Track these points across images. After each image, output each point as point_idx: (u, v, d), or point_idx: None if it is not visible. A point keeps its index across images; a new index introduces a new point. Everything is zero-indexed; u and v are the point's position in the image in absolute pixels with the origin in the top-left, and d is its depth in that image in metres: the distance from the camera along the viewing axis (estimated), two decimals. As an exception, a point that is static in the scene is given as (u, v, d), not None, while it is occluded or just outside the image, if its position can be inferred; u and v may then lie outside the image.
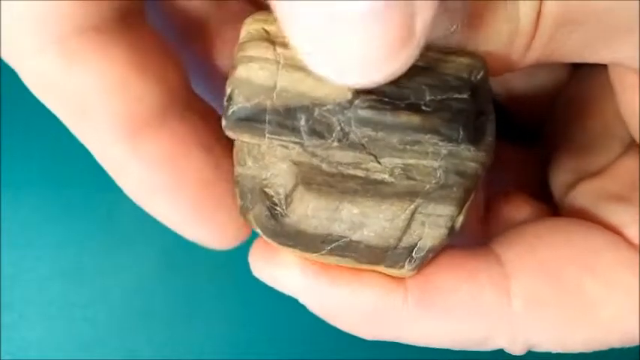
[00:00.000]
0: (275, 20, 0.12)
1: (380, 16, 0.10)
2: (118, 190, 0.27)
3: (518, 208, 0.18)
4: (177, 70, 0.14)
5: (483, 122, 0.14)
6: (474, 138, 0.13)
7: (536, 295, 0.14)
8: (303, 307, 0.28)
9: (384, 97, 0.13)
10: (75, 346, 0.26)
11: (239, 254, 0.27)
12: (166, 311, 0.27)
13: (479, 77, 0.13)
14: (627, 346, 0.15)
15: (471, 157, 0.13)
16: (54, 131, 0.25)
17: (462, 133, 0.13)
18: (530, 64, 0.14)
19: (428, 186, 0.13)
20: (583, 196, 0.17)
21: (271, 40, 0.13)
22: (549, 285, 0.15)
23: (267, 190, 0.14)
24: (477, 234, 0.18)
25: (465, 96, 0.13)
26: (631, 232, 0.15)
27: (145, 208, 0.14)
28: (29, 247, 0.26)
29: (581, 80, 0.19)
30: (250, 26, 0.13)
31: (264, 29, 0.13)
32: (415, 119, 0.13)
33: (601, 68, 0.18)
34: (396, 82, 0.12)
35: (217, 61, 0.17)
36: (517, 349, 0.15)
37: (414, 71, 0.12)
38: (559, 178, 0.19)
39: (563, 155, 0.19)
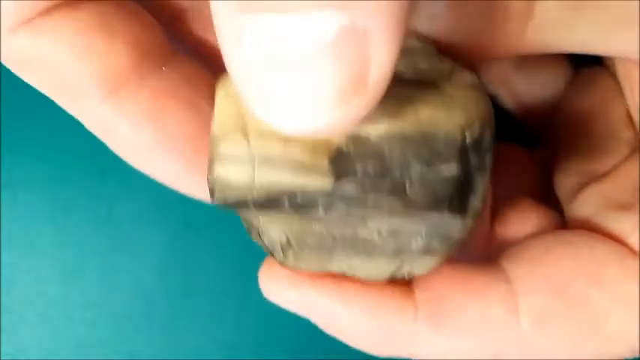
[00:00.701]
0: None
1: (333, 51, 0.09)
2: (118, 191, 0.27)
3: (526, 216, 0.18)
4: (148, 27, 0.15)
5: (473, 181, 0.13)
6: (460, 207, 0.13)
7: (544, 312, 0.15)
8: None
9: (366, 177, 0.12)
10: (74, 347, 0.26)
11: (239, 255, 0.27)
12: (166, 313, 0.26)
13: (473, 137, 0.13)
14: (631, 357, 0.15)
15: (456, 225, 0.14)
16: (53, 131, 0.25)
17: (447, 207, 0.13)
18: (530, 50, 0.14)
19: (414, 246, 0.14)
20: (587, 202, 0.17)
21: (244, 129, 0.12)
22: (557, 300, 0.15)
23: (263, 237, 0.14)
24: (484, 244, 0.18)
25: (452, 166, 0.12)
26: (633, 240, 0.15)
27: (138, 167, 0.15)
28: (28, 248, 0.26)
29: (585, 82, 0.19)
30: (222, 107, 0.12)
31: (236, 112, 0.12)
32: (398, 203, 0.12)
33: (604, 70, 0.18)
34: (380, 154, 0.12)
35: (200, 37, 0.17)
36: None
37: (400, 138, 0.12)
38: (564, 182, 0.18)
39: (567, 158, 0.19)
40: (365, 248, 0.14)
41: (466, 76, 0.13)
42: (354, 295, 0.15)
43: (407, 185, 0.12)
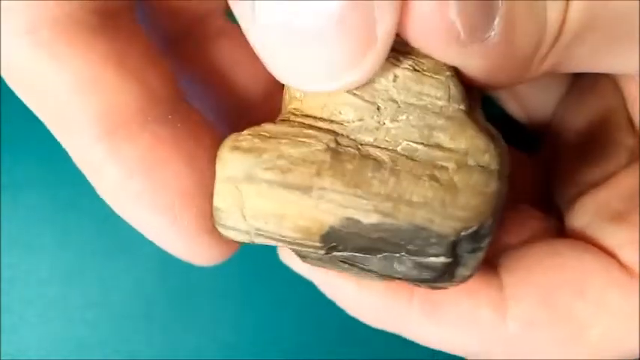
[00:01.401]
0: (250, 146, 0.13)
1: (342, 25, 0.10)
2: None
3: (524, 223, 0.18)
4: (162, 74, 0.14)
5: (465, 261, 0.13)
6: (446, 279, 0.14)
7: (531, 319, 0.15)
8: (303, 309, 0.28)
9: (355, 251, 0.13)
10: (74, 348, 0.26)
11: (239, 255, 0.27)
12: (166, 313, 0.26)
13: (470, 232, 0.13)
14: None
15: (444, 284, 0.14)
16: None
17: (431, 282, 0.14)
18: (542, 74, 0.14)
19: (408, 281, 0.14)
20: (584, 211, 0.17)
21: (242, 208, 0.13)
22: (543, 309, 0.15)
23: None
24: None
25: (441, 258, 0.13)
26: (625, 254, 0.16)
27: (122, 215, 0.14)
28: (29, 248, 0.26)
29: (586, 87, 0.19)
30: (222, 181, 0.13)
31: (236, 188, 0.13)
32: (386, 273, 0.13)
33: (605, 74, 0.18)
34: (371, 235, 0.13)
35: (207, 65, 0.17)
36: None
37: (392, 227, 0.12)
38: (563, 189, 0.19)
39: (567, 165, 0.19)
40: (366, 275, 0.14)
41: (483, 154, 0.13)
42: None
43: (395, 263, 0.13)
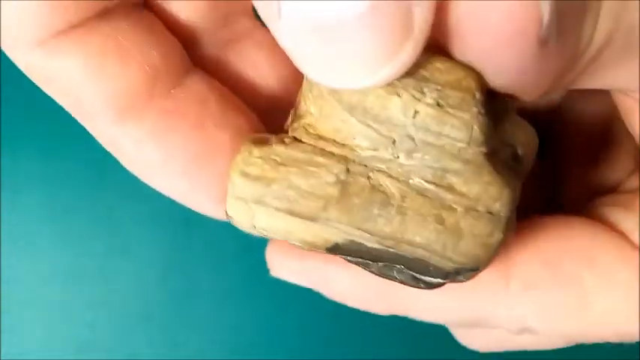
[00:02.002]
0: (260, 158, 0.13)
1: (375, 14, 0.10)
2: (118, 192, 0.27)
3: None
4: (164, 51, 0.15)
5: (462, 276, 0.14)
6: (440, 285, 0.14)
7: (533, 280, 0.15)
8: (303, 309, 0.28)
9: (357, 260, 0.13)
10: (74, 348, 0.26)
11: (239, 256, 0.27)
12: (166, 314, 0.26)
13: (467, 268, 0.13)
14: (624, 342, 0.15)
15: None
16: (54, 134, 0.25)
17: (425, 289, 0.14)
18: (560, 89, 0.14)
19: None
20: (593, 208, 0.17)
21: (253, 218, 0.13)
22: (547, 272, 0.15)
23: None
24: None
25: (438, 281, 0.13)
26: (637, 237, 0.15)
27: (149, 183, 0.15)
28: (29, 249, 0.26)
29: (589, 93, 0.19)
30: (233, 199, 0.13)
31: (246, 204, 0.13)
32: (386, 276, 0.14)
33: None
34: (373, 253, 0.13)
35: (231, 66, 0.17)
36: (514, 329, 0.16)
37: (393, 253, 0.13)
38: (570, 193, 0.19)
39: (572, 166, 0.19)
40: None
41: (495, 202, 0.12)
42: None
43: (394, 271, 0.13)
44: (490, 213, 0.12)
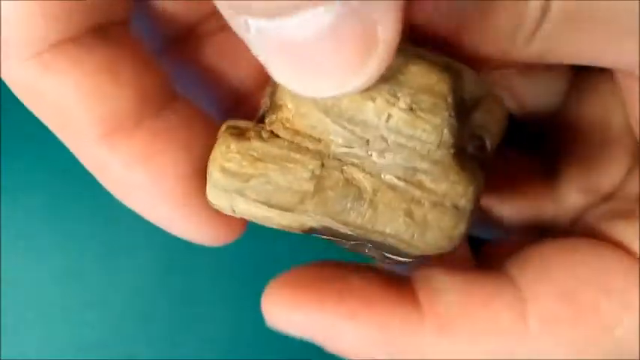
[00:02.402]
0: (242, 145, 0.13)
1: (337, 33, 0.10)
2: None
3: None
4: (154, 75, 0.15)
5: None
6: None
7: (553, 316, 0.15)
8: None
9: (332, 237, 0.14)
10: (75, 349, 0.26)
11: (239, 256, 0.27)
12: (166, 314, 0.26)
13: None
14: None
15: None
16: (54, 135, 0.25)
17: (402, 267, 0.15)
18: (530, 58, 0.14)
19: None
20: (592, 214, 0.17)
21: (232, 204, 0.14)
22: (566, 306, 0.15)
23: None
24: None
25: (409, 260, 0.14)
26: (635, 247, 0.16)
27: (130, 206, 0.15)
28: (29, 249, 0.26)
29: (587, 86, 0.19)
30: (213, 188, 0.14)
31: (226, 192, 0.14)
32: (358, 250, 0.15)
33: (606, 73, 0.18)
34: (346, 235, 0.14)
35: (201, 64, 0.17)
36: None
37: (368, 239, 0.14)
38: (568, 196, 0.19)
39: (570, 170, 0.19)
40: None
41: (460, 198, 0.13)
42: (360, 308, 0.15)
43: (366, 249, 0.14)
44: (456, 207, 0.13)
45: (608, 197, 0.17)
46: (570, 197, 0.19)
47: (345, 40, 0.10)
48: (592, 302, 0.15)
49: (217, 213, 0.15)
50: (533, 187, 0.20)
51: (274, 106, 0.14)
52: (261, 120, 0.14)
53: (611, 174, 0.18)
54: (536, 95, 0.20)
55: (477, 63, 0.14)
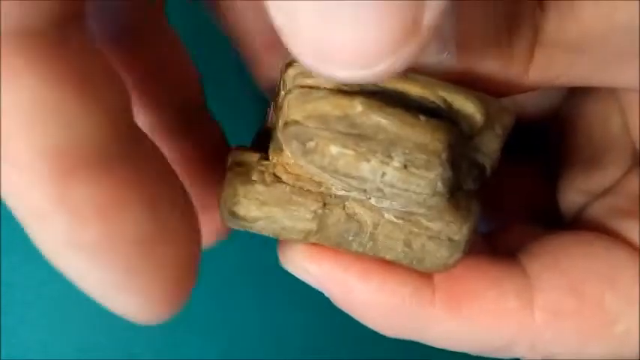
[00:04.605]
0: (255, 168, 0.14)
1: (388, 1, 0.09)
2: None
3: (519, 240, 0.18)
4: (123, 97, 0.12)
5: None
6: None
7: (558, 308, 0.15)
8: (303, 310, 0.28)
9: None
10: (75, 349, 0.26)
11: (239, 256, 0.27)
12: (166, 313, 0.26)
13: None
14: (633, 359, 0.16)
15: None
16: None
17: None
18: (534, 87, 0.14)
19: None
20: (594, 212, 0.17)
21: (244, 227, 0.15)
22: (572, 298, 0.15)
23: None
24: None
25: None
26: (637, 241, 0.16)
27: (59, 266, 0.12)
28: (29, 249, 0.26)
29: (585, 89, 0.19)
30: (227, 200, 0.14)
31: (236, 221, 0.14)
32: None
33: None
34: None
35: (144, 66, 0.16)
36: (536, 358, 0.16)
37: None
38: (568, 197, 0.19)
39: (570, 171, 0.19)
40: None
41: (455, 234, 0.14)
42: (374, 272, 0.15)
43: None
44: (451, 240, 0.14)
45: (607, 192, 0.17)
46: (570, 197, 0.19)
47: (393, 12, 0.09)
48: (597, 296, 0.15)
49: (166, 286, 0.13)
50: (533, 187, 0.20)
51: (276, 148, 0.14)
52: (266, 133, 0.15)
53: (610, 174, 0.18)
54: (534, 97, 0.21)
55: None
